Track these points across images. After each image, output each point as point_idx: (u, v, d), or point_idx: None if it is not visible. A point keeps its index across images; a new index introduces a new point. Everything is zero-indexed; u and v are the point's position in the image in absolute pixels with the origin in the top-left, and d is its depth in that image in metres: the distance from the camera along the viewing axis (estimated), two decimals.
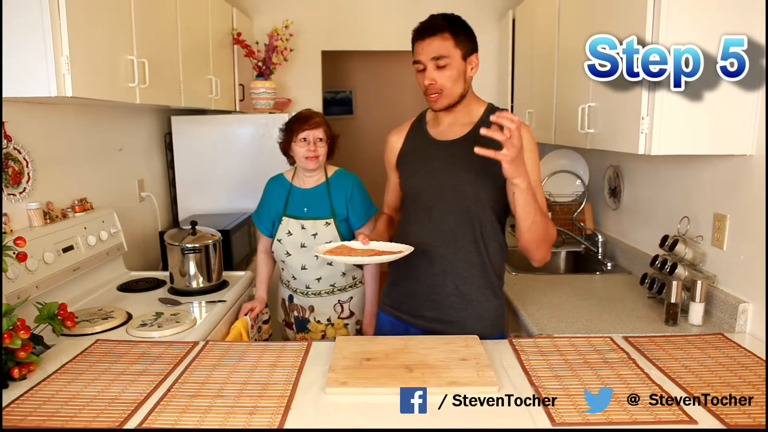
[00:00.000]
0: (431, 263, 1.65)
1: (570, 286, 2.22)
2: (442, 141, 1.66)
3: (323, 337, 2.17)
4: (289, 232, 2.09)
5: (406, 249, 1.58)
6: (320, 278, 2.11)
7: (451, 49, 1.54)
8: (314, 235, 2.06)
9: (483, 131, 1.34)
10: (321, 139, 2.04)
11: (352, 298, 2.16)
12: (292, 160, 2.12)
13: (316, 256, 1.73)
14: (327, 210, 2.09)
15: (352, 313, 2.17)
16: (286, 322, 2.26)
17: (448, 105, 1.60)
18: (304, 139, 2.02)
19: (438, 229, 1.64)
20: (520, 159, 1.38)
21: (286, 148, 2.09)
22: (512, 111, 3.35)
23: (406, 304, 1.74)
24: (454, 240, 1.63)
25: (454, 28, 1.55)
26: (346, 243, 1.72)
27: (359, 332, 2.20)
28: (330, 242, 1.92)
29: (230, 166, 3.08)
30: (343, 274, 2.13)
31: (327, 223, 2.07)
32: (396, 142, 1.78)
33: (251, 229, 3.04)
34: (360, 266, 2.18)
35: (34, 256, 1.77)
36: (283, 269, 2.19)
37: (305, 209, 2.10)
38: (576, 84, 2.20)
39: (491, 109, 1.64)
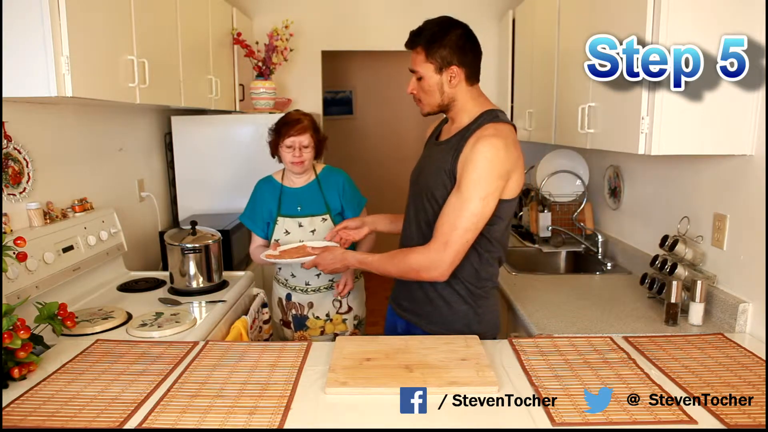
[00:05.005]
0: None
1: (570, 286, 2.22)
2: (438, 141, 1.70)
3: (322, 333, 2.18)
4: (287, 231, 2.11)
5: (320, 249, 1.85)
6: (320, 274, 2.12)
7: (423, 63, 1.57)
8: (312, 231, 2.10)
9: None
10: (306, 146, 2.06)
11: (350, 293, 2.18)
12: (280, 160, 2.14)
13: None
14: (321, 206, 2.13)
15: (350, 309, 2.19)
16: (283, 322, 2.26)
17: (429, 113, 1.66)
18: (290, 145, 2.05)
19: (411, 225, 1.69)
20: (333, 266, 1.78)
21: (273, 150, 2.12)
22: (512, 110, 3.35)
23: (394, 291, 1.81)
24: (422, 238, 1.63)
25: (429, 42, 1.54)
26: (306, 243, 1.99)
27: (357, 327, 2.23)
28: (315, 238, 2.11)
29: (230, 166, 3.08)
30: None
31: (324, 219, 2.10)
32: (427, 133, 1.84)
33: None
34: None
35: (34, 256, 1.77)
36: (280, 268, 2.20)
37: (299, 208, 2.13)
38: (576, 84, 2.20)
39: (481, 118, 1.56)
